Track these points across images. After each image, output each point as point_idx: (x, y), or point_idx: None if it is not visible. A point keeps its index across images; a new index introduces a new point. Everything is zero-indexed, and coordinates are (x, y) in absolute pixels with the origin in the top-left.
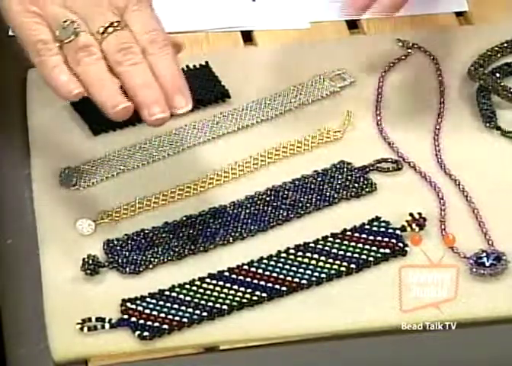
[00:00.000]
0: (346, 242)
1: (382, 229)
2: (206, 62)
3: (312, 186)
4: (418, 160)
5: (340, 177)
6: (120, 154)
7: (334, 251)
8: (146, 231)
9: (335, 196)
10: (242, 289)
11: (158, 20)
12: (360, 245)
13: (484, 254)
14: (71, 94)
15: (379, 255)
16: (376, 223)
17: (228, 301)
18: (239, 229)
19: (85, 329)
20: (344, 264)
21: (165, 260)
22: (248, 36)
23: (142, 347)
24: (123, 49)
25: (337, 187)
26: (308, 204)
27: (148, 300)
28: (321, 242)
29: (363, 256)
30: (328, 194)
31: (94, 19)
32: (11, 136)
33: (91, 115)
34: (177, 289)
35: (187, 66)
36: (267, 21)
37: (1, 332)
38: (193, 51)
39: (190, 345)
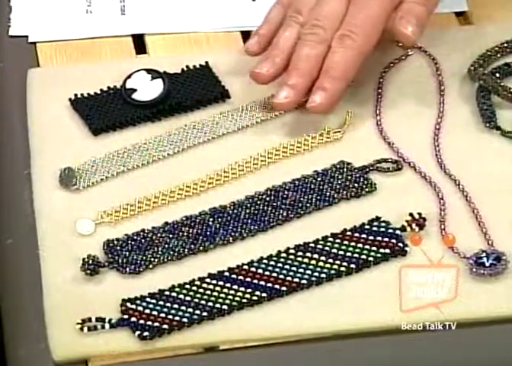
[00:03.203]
0: (346, 242)
1: (382, 229)
2: (206, 62)
3: (312, 186)
4: (418, 160)
5: (340, 177)
6: (119, 154)
7: (334, 251)
8: (146, 231)
9: (335, 196)
10: (242, 289)
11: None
12: (360, 245)
13: (484, 254)
14: None
15: (379, 255)
16: (375, 223)
17: (228, 301)
18: (239, 229)
19: (85, 329)
20: (344, 264)
21: (165, 260)
22: (247, 37)
23: (142, 347)
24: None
25: (337, 187)
26: (308, 204)
27: (148, 300)
28: (321, 242)
29: (363, 256)
30: (327, 194)
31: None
32: (10, 136)
33: (91, 115)
34: (177, 289)
35: (187, 66)
36: None
37: (1, 332)
38: (193, 51)
39: (190, 345)
